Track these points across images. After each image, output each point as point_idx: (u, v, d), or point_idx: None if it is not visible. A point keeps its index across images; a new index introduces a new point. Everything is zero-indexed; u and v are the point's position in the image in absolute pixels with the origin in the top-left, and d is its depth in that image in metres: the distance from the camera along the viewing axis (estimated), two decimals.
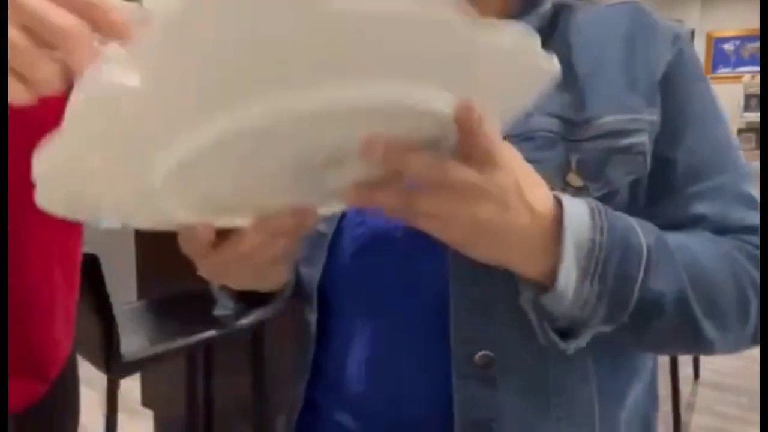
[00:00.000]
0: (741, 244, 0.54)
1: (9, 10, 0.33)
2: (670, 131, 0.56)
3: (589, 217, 0.47)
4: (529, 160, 0.49)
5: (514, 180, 0.42)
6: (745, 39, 6.14)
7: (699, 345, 0.53)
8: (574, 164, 0.53)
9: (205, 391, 2.01)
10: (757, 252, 0.54)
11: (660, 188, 0.57)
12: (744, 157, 0.61)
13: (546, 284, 0.47)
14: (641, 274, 0.48)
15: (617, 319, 0.48)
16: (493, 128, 0.39)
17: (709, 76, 6.24)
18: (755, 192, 0.58)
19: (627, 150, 0.54)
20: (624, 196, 0.55)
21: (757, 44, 6.02)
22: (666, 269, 0.49)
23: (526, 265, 0.47)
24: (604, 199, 0.52)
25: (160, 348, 1.59)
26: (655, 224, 0.53)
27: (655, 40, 0.58)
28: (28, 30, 0.34)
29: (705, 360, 2.96)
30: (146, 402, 2.34)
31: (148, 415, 2.34)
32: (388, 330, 0.58)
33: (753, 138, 5.81)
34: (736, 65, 6.21)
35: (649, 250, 0.48)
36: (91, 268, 1.39)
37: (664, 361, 2.39)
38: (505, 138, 0.50)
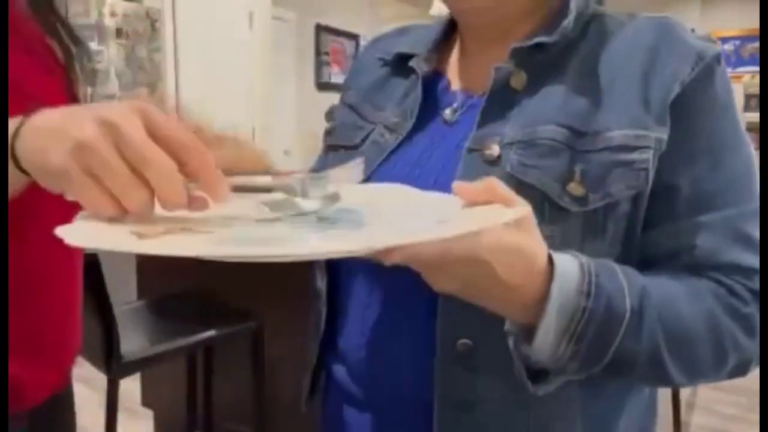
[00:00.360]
0: (720, 290, 0.54)
1: (117, 139, 0.39)
2: (677, 156, 0.55)
3: (577, 281, 0.48)
4: (531, 166, 0.53)
5: (505, 243, 0.44)
6: (745, 39, 6.14)
7: (668, 385, 0.57)
8: (578, 174, 0.54)
9: (205, 391, 2.01)
10: (743, 292, 0.53)
11: (659, 212, 0.56)
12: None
13: (526, 333, 0.50)
14: (619, 337, 0.49)
15: (589, 372, 0.51)
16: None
17: None
18: (757, 233, 0.56)
19: (629, 165, 0.54)
20: (625, 209, 0.55)
21: (757, 44, 6.02)
22: (644, 330, 0.50)
23: (509, 316, 0.50)
24: (605, 210, 0.54)
25: (160, 348, 1.59)
26: (649, 252, 0.56)
27: (676, 58, 0.56)
28: (126, 159, 0.39)
29: None
30: (146, 402, 2.34)
31: (148, 415, 2.34)
32: (386, 308, 0.61)
33: (753, 138, 5.81)
34: (736, 65, 6.21)
35: (631, 313, 0.49)
36: (91, 268, 1.39)
37: None
38: (512, 143, 0.55)
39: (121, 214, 0.41)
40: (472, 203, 0.45)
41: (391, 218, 0.47)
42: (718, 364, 0.53)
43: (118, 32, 3.20)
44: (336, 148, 0.71)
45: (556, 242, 0.52)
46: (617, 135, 0.54)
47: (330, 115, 0.76)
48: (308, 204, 0.47)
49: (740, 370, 0.55)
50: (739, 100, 5.95)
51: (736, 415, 2.53)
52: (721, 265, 0.54)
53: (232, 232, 0.44)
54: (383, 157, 0.64)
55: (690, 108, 0.56)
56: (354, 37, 5.67)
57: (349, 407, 0.67)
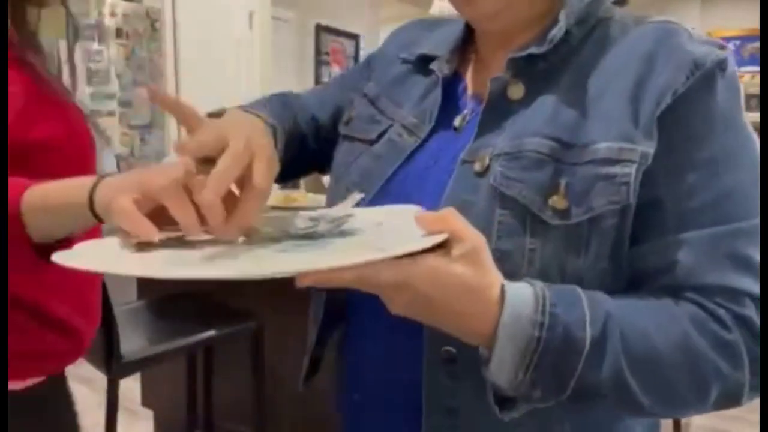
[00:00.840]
0: (701, 314, 0.51)
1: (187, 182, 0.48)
2: (664, 170, 0.53)
3: (531, 311, 0.48)
4: (514, 179, 0.53)
5: (443, 274, 0.46)
6: (745, 39, 6.14)
7: (646, 416, 0.55)
8: (562, 187, 0.53)
9: (205, 391, 2.01)
10: (726, 317, 0.50)
11: (645, 228, 0.53)
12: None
13: (485, 359, 0.50)
14: (579, 368, 0.48)
15: (555, 400, 0.50)
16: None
17: None
18: (756, 255, 0.51)
19: (611, 178, 0.52)
20: (610, 224, 0.53)
21: (757, 44, 6.02)
22: (606, 360, 0.48)
23: (468, 341, 0.50)
24: (589, 224, 0.52)
25: (160, 348, 1.59)
26: (637, 268, 0.54)
27: (670, 67, 0.53)
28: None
29: None
30: (146, 402, 2.34)
31: (148, 415, 2.34)
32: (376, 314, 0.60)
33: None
34: (736, 65, 6.21)
35: (592, 343, 0.48)
36: None
37: None
38: (499, 155, 0.55)
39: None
40: (429, 233, 0.46)
41: (372, 239, 0.51)
42: (699, 394, 0.50)
43: (118, 32, 3.20)
44: (352, 140, 0.70)
45: (537, 256, 0.52)
46: (602, 147, 0.53)
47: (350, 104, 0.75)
48: (300, 221, 0.53)
49: (730, 401, 0.52)
50: None
51: (736, 415, 2.53)
52: (704, 287, 0.51)
53: (187, 254, 0.50)
54: (401, 160, 0.64)
55: (681, 120, 0.53)
56: (354, 37, 5.67)
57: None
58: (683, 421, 2.46)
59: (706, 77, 0.53)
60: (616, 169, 0.52)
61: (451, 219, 0.47)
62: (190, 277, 0.44)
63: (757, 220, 0.52)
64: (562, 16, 0.57)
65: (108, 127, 3.13)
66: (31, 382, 0.78)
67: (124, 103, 3.22)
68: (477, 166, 0.56)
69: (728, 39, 6.21)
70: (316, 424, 1.84)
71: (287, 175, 0.76)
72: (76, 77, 3.01)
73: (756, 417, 0.64)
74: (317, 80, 5.32)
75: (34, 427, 0.79)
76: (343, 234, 0.52)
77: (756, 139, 0.55)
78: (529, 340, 0.47)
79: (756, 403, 0.56)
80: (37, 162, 0.71)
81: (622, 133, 0.53)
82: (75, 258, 0.48)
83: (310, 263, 0.45)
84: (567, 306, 0.49)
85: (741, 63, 6.18)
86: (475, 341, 0.50)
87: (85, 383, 2.65)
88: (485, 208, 0.54)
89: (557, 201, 0.53)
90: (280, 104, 0.76)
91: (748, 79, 5.89)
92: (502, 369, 0.49)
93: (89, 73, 3.06)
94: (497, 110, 0.58)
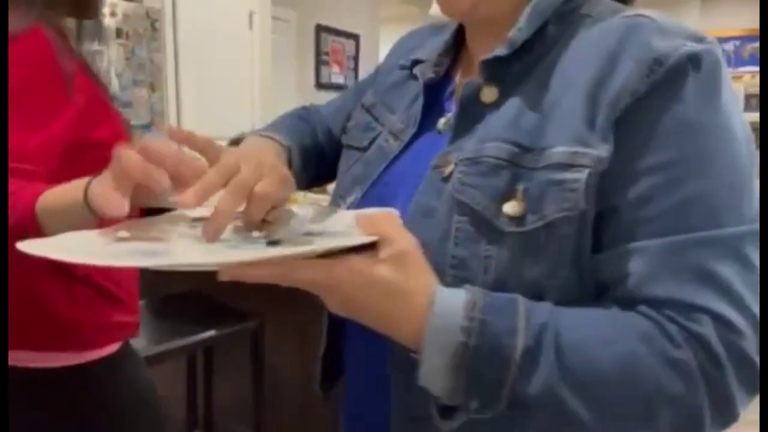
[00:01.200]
0: (652, 329, 0.46)
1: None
2: (621, 175, 0.49)
3: (461, 318, 0.46)
4: (469, 185, 0.52)
5: (365, 276, 0.46)
6: (745, 39, 6.14)
7: None
8: (520, 193, 0.51)
9: (205, 391, 2.01)
10: (676, 332, 0.46)
11: (605, 236, 0.51)
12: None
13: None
14: (509, 378, 0.46)
15: (493, 411, 0.48)
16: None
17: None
18: (722, 268, 0.46)
19: (561, 184, 0.49)
20: (568, 231, 0.50)
21: (757, 44, 6.02)
22: (539, 372, 0.46)
23: (405, 345, 0.49)
24: (545, 231, 0.50)
25: (160, 348, 1.59)
26: (596, 278, 0.51)
27: (629, 66, 0.49)
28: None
29: None
30: None
31: None
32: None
33: (753, 138, 5.81)
34: (736, 65, 6.21)
35: (523, 353, 0.46)
36: None
37: None
38: (462, 161, 0.54)
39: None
40: (366, 235, 0.47)
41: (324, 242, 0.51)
42: (645, 414, 0.46)
43: (118, 32, 3.20)
44: (349, 148, 0.72)
45: (493, 263, 0.51)
46: (557, 152, 0.50)
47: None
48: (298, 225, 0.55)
49: (690, 427, 0.47)
50: (739, 100, 5.95)
51: None
52: (656, 300, 0.47)
53: (143, 245, 0.51)
54: (386, 164, 0.64)
55: (641, 122, 0.49)
56: (354, 37, 5.67)
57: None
58: None
59: (670, 75, 0.48)
60: (567, 175, 0.49)
61: (382, 222, 0.48)
62: (120, 266, 0.48)
63: (729, 230, 0.47)
64: (522, 16, 0.55)
65: None
66: (107, 351, 0.93)
67: (124, 104, 3.22)
68: (444, 172, 0.56)
69: (728, 39, 6.21)
70: (316, 424, 1.84)
71: (312, 185, 0.81)
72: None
73: (756, 417, 0.64)
74: (317, 80, 5.32)
75: (116, 384, 0.94)
76: (309, 234, 0.52)
77: (744, 140, 0.50)
78: (458, 347, 0.46)
79: (756, 403, 0.55)
80: (94, 158, 0.75)
81: (577, 137, 0.50)
82: (41, 246, 0.47)
83: (233, 258, 0.46)
84: (499, 314, 0.47)
85: (741, 63, 6.18)
86: (409, 346, 0.49)
87: None
88: (445, 214, 0.54)
89: (512, 207, 0.51)
90: (297, 120, 0.80)
91: (748, 79, 5.90)
92: (433, 376, 0.47)
93: None
94: (470, 114, 0.57)
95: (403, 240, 0.47)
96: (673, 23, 0.51)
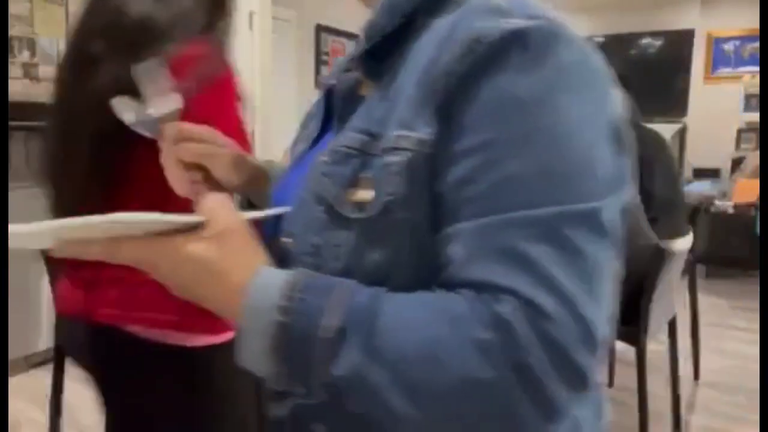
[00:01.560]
0: (465, 313, 0.44)
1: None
2: (445, 158, 0.48)
3: (277, 297, 0.46)
4: (324, 174, 0.54)
5: (183, 254, 0.47)
6: (745, 39, 6.14)
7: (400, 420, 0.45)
8: (365, 180, 0.52)
9: None
10: (484, 314, 0.43)
11: (435, 220, 0.49)
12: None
13: None
14: (317, 359, 0.45)
15: (318, 395, 0.47)
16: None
17: (707, 76, 6.25)
18: (533, 249, 0.44)
19: (388, 168, 0.50)
20: (401, 217, 0.50)
21: (757, 44, 6.02)
22: (350, 354, 0.44)
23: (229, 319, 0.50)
24: (383, 217, 0.50)
25: None
26: (436, 261, 0.49)
27: (452, 48, 0.49)
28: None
29: (705, 360, 2.96)
30: None
31: None
32: None
33: (753, 138, 5.81)
34: (736, 65, 6.21)
35: (335, 333, 0.45)
36: None
37: (664, 361, 2.39)
38: (326, 153, 0.57)
39: None
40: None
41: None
42: (456, 399, 0.43)
43: None
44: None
45: (342, 251, 0.52)
46: (388, 137, 0.51)
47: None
48: None
49: (506, 416, 0.43)
50: (739, 100, 5.96)
51: (736, 415, 2.53)
52: (472, 282, 0.45)
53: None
54: (294, 166, 0.68)
55: (460, 102, 0.48)
56: (354, 37, 5.66)
57: None
58: (683, 420, 2.46)
59: (489, 53, 0.47)
60: (392, 158, 0.50)
61: (209, 204, 0.50)
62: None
63: (544, 210, 0.45)
64: (377, 10, 0.57)
65: None
66: (226, 337, 0.99)
67: None
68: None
69: (728, 39, 6.21)
70: None
71: None
72: None
73: (756, 417, 0.64)
74: (317, 80, 5.32)
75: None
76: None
77: (582, 118, 0.48)
78: (276, 328, 0.46)
79: (756, 403, 0.55)
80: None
81: (403, 121, 0.51)
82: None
83: (24, 228, 0.45)
84: (315, 294, 0.46)
85: (741, 63, 6.18)
86: (232, 321, 0.49)
87: (85, 383, 2.65)
88: (309, 204, 0.56)
89: (356, 195, 0.52)
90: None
91: (748, 79, 5.89)
92: (254, 359, 0.47)
93: None
94: (351, 107, 0.58)
95: (226, 220, 0.49)
96: (513, 3, 0.50)
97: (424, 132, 0.49)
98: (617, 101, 0.52)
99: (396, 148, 0.50)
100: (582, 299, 0.44)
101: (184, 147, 0.70)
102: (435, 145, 0.48)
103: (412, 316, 0.46)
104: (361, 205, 0.51)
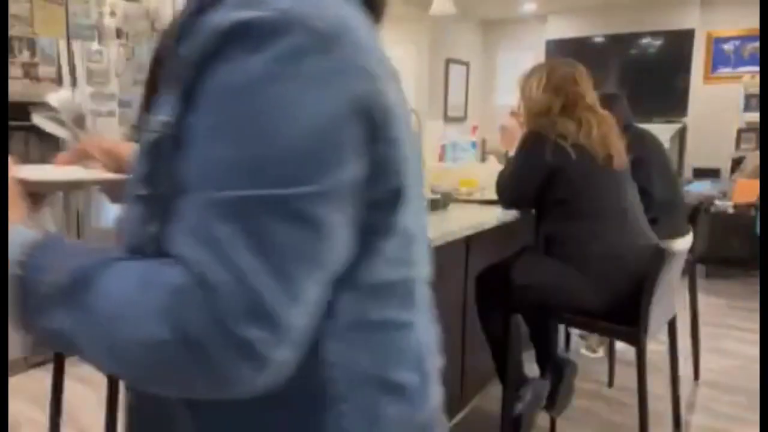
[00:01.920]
0: (158, 281, 0.49)
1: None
2: (181, 139, 0.52)
3: (19, 252, 0.54)
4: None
5: None
6: (745, 39, 6.14)
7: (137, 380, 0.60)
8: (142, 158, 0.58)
9: None
10: (174, 285, 0.47)
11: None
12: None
13: None
14: (34, 310, 0.53)
15: (47, 345, 0.56)
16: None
17: (705, 76, 6.24)
18: (218, 227, 0.48)
19: (141, 148, 0.57)
20: (155, 195, 0.54)
21: (757, 44, 6.03)
22: (60, 309, 0.51)
23: None
24: (145, 191, 0.55)
25: None
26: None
27: (197, 38, 0.52)
28: None
29: (705, 360, 2.96)
30: None
31: None
32: None
33: (753, 138, 5.80)
34: (736, 65, 6.21)
35: (50, 287, 0.52)
36: None
37: (664, 361, 2.39)
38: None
39: None
40: None
41: None
42: (137, 354, 0.48)
43: (118, 32, 3.20)
44: None
45: (134, 225, 0.56)
46: (152, 119, 0.56)
47: None
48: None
49: (166, 370, 0.48)
50: (739, 100, 5.96)
51: (736, 415, 2.53)
52: (170, 254, 0.50)
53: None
54: None
55: (195, 88, 0.51)
56: None
57: None
58: (683, 420, 2.46)
59: (218, 42, 0.50)
60: (143, 138, 0.56)
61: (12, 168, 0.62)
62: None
63: (237, 193, 0.48)
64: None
65: (108, 127, 3.13)
66: None
67: (124, 103, 3.21)
68: None
69: (728, 39, 6.22)
70: None
71: None
72: (76, 77, 3.02)
73: (756, 417, 0.64)
74: None
75: None
76: None
77: (300, 108, 0.50)
78: (15, 281, 0.53)
79: (756, 402, 0.55)
80: None
81: (159, 105, 0.55)
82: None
83: None
84: (45, 252, 0.54)
85: (741, 63, 6.19)
86: None
87: (85, 383, 2.63)
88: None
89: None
90: None
91: (748, 79, 5.90)
92: (11, 307, 0.54)
93: (89, 73, 3.06)
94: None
95: (12, 181, 0.61)
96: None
97: (167, 114, 0.53)
98: (370, 93, 0.53)
99: (147, 130, 0.55)
100: (256, 276, 0.46)
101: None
102: (176, 127, 0.52)
103: (121, 283, 0.51)
104: (142, 183, 0.56)
